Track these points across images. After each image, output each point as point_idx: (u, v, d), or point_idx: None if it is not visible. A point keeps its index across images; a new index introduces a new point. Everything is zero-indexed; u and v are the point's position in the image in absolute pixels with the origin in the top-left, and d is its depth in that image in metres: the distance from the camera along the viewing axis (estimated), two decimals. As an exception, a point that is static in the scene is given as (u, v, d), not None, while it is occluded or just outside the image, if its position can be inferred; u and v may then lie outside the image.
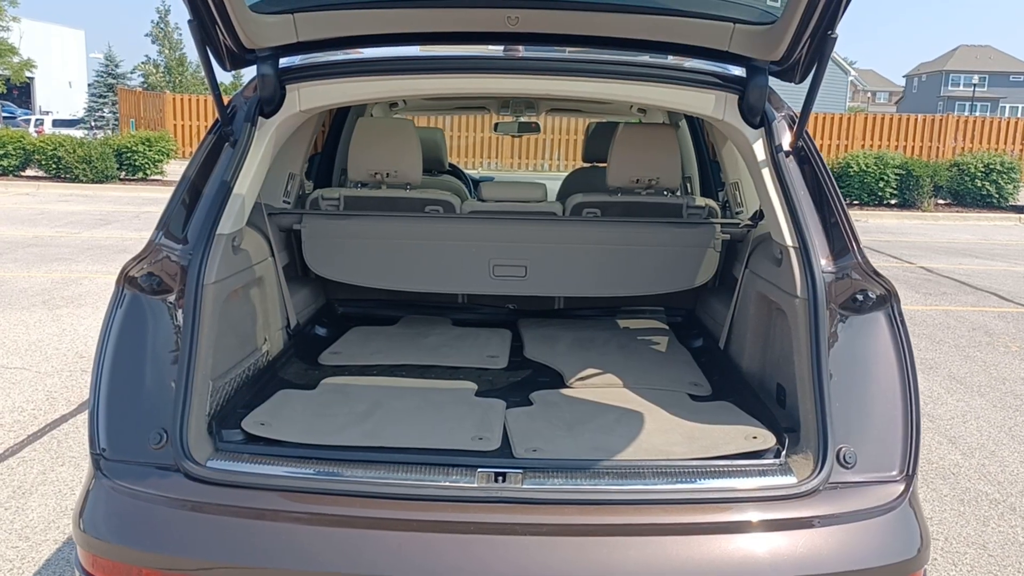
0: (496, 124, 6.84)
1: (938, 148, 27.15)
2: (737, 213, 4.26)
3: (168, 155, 23.73)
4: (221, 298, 2.84)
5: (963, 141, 26.85)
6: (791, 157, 2.99)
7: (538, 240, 3.95)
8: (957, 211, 21.76)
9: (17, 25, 39.71)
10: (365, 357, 3.64)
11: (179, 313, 2.69)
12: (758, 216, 3.51)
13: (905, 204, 21.72)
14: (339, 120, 5.30)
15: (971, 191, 21.99)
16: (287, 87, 3.09)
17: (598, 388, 3.30)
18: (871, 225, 19.37)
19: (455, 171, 6.90)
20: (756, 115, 3.04)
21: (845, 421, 2.58)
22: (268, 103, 3.08)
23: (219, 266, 2.81)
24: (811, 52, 2.82)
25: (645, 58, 3.13)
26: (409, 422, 2.86)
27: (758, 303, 3.25)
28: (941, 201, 22.39)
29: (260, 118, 3.08)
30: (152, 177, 23.41)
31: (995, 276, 12.56)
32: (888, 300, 2.73)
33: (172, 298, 2.74)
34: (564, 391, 3.26)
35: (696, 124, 5.33)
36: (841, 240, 2.81)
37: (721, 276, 4.04)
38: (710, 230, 3.95)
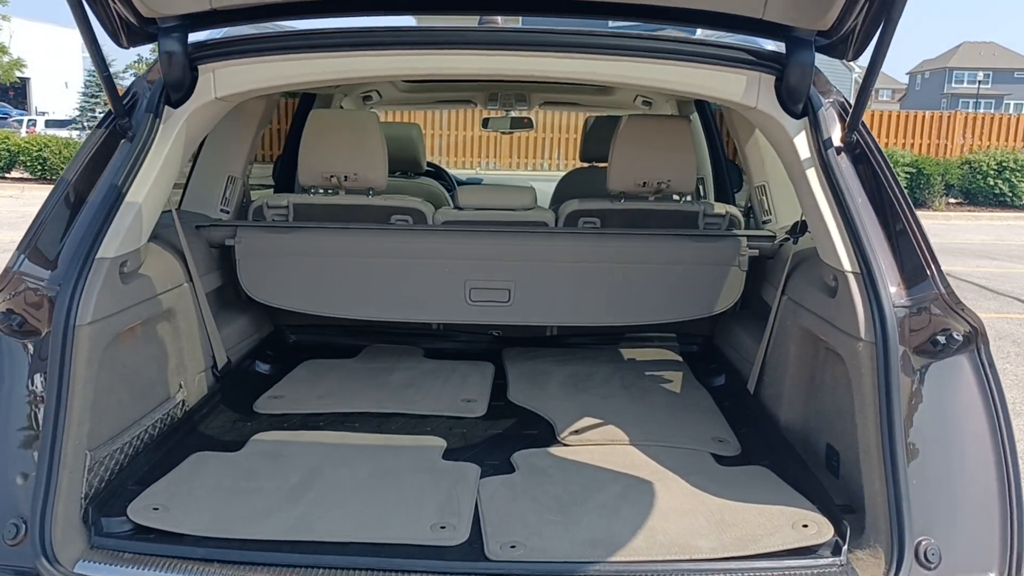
0: (484, 120, 6.15)
1: (946, 146, 26.46)
2: (764, 223, 3.59)
3: (157, 156, 23.10)
4: (103, 342, 2.19)
5: (972, 138, 26.20)
6: (844, 154, 2.34)
7: (525, 257, 3.28)
8: (969, 210, 21.10)
9: (7, 24, 39.08)
10: (312, 402, 2.98)
11: (46, 363, 2.04)
12: (799, 229, 2.85)
13: (915, 203, 20.99)
14: (303, 113, 4.63)
15: (983, 190, 21.34)
16: (199, 68, 2.44)
17: (598, 446, 2.64)
18: (882, 225, 18.67)
19: (437, 172, 6.21)
20: (798, 101, 2.40)
21: (926, 505, 1.99)
22: (176, 88, 2.43)
23: (99, 300, 2.16)
24: (869, 19, 2.18)
25: (657, 30, 2.48)
26: (354, 501, 2.21)
27: (801, 341, 2.59)
28: (952, 200, 21.74)
29: (167, 108, 2.44)
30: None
31: (1015, 279, 11.91)
32: (974, 340, 2.09)
33: (36, 343, 2.10)
34: (555, 450, 2.61)
35: (709, 115, 4.66)
36: (915, 262, 2.17)
37: (745, 298, 3.37)
38: (734, 244, 3.28)
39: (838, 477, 2.32)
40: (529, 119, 5.94)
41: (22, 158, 21.76)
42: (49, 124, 37.10)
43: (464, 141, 23.84)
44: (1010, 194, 21.41)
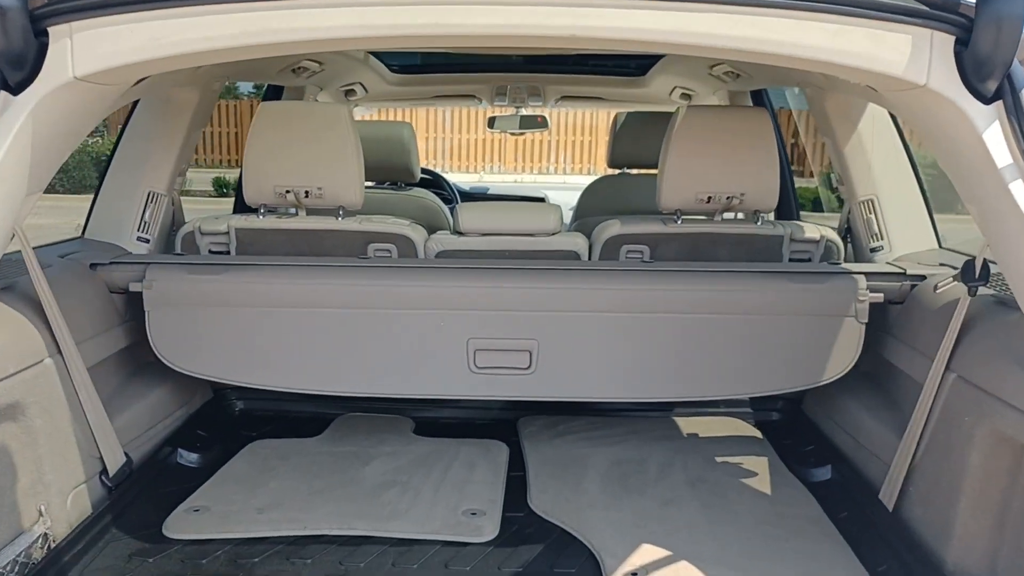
0: (491, 119, 5.20)
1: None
2: (873, 251, 2.67)
3: (151, 162, 22.31)
4: None
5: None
6: None
7: (552, 304, 2.36)
8: None
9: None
10: (248, 518, 2.07)
11: None
12: (979, 272, 1.92)
13: (939, 206, 20.10)
14: None
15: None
16: (49, 30, 1.56)
17: None
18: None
19: (435, 180, 5.27)
20: (991, 76, 1.51)
21: None
22: (15, 64, 1.57)
23: None
24: None
25: None
26: None
27: (994, 450, 1.68)
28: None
29: (3, 94, 1.57)
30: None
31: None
32: None
33: None
34: None
35: (769, 109, 3.75)
36: None
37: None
38: (848, 286, 2.35)
39: None
40: (543, 117, 5.01)
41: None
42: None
43: (466, 144, 22.99)
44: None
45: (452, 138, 22.66)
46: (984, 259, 1.85)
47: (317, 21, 1.53)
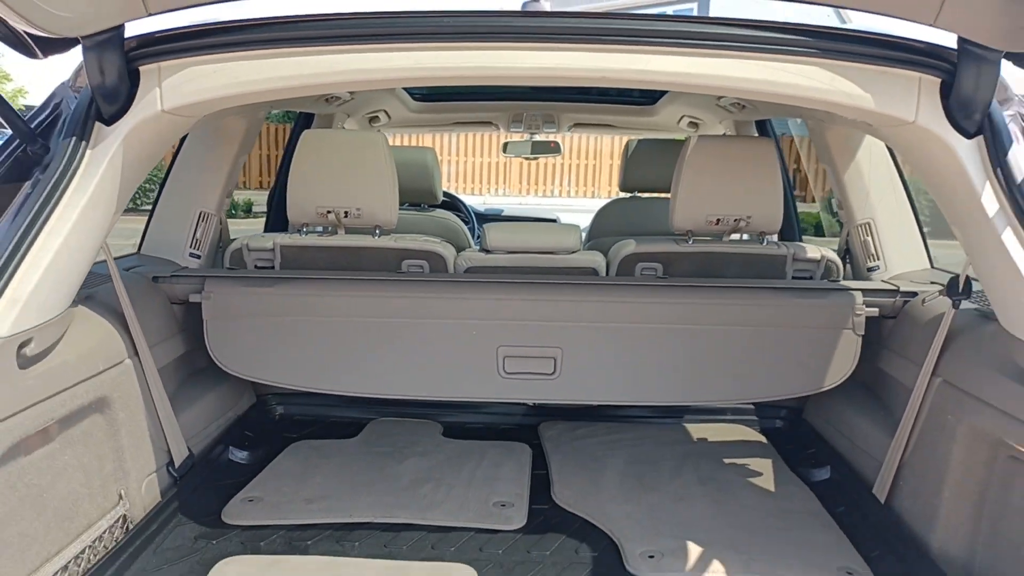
0: (505, 144, 5.45)
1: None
2: (870, 270, 2.88)
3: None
4: None
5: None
6: None
7: (574, 317, 2.58)
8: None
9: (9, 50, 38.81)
10: (299, 508, 2.27)
11: None
12: (962, 287, 2.13)
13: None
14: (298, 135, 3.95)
15: None
16: (140, 68, 1.78)
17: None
18: None
19: (452, 203, 5.51)
20: (975, 114, 1.73)
21: None
22: (109, 98, 1.78)
23: None
24: None
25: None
26: None
27: (972, 446, 1.89)
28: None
29: (97, 125, 1.79)
30: (143, 207, 22.16)
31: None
32: None
33: None
34: None
35: (773, 138, 3.98)
36: None
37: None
38: (847, 301, 2.57)
39: None
40: (556, 143, 5.26)
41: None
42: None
43: (474, 168, 23.29)
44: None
45: (461, 161, 22.92)
46: (968, 276, 2.07)
47: (383, 62, 1.75)
